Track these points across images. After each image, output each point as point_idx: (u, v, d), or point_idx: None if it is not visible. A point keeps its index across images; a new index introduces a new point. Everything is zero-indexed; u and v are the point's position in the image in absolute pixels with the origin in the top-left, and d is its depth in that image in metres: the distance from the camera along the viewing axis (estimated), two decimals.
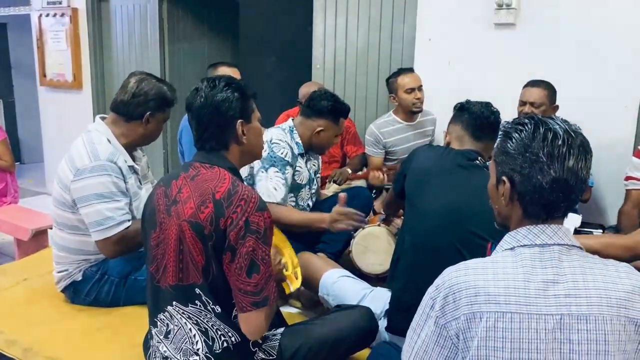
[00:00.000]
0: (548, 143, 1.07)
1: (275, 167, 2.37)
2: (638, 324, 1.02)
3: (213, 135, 1.55)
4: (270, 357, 1.56)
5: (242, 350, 1.51)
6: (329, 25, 3.82)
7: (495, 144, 1.20)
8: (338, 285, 2.08)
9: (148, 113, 2.04)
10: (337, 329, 1.68)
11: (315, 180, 2.72)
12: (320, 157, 2.82)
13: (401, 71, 3.21)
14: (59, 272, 2.12)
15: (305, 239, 2.47)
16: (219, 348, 1.49)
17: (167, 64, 4.69)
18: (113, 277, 2.11)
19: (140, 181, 2.16)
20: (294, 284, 1.78)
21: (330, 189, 3.22)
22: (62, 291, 2.16)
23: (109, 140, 2.03)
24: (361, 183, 3.26)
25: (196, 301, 1.48)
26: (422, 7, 3.46)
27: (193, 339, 1.49)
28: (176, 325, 1.51)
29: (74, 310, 2.12)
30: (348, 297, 2.01)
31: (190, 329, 1.49)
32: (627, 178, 2.62)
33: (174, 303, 1.50)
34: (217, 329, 1.49)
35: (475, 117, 1.92)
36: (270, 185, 2.34)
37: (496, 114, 1.95)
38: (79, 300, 2.13)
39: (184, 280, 1.47)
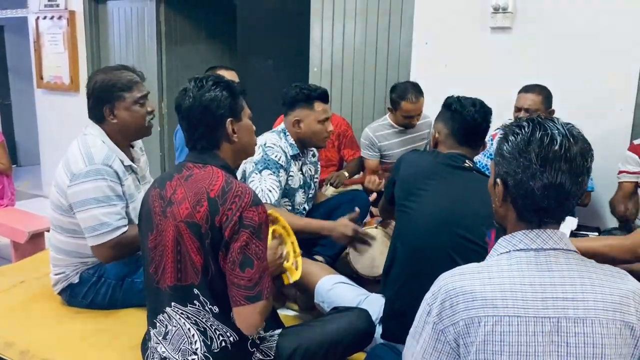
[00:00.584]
0: (543, 148, 1.06)
1: (269, 169, 2.37)
2: (633, 328, 1.02)
3: (204, 135, 1.55)
4: (268, 358, 1.57)
5: (240, 350, 1.51)
6: (326, 29, 3.84)
7: (496, 144, 1.20)
8: (333, 292, 2.08)
9: (106, 108, 2.01)
10: (335, 330, 1.68)
11: (312, 185, 2.71)
12: (318, 160, 2.82)
13: (408, 93, 3.16)
14: (56, 274, 2.12)
15: (302, 241, 2.46)
16: (217, 348, 1.49)
17: (165, 67, 4.70)
18: (110, 280, 2.10)
19: (139, 180, 2.15)
20: (293, 276, 1.78)
21: (328, 192, 3.22)
22: (59, 294, 2.15)
23: (103, 142, 2.01)
24: (357, 186, 3.27)
25: (195, 301, 1.48)
26: (419, 11, 3.47)
27: (192, 339, 1.49)
28: (174, 326, 1.51)
29: (71, 313, 2.12)
30: (343, 304, 2.00)
31: (189, 329, 1.50)
32: (620, 172, 2.66)
33: (172, 304, 1.51)
34: (215, 328, 1.49)
35: (467, 124, 1.88)
36: (264, 187, 2.34)
37: (488, 119, 1.91)
38: (76, 303, 2.13)
39: (183, 280, 1.48)
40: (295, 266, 1.80)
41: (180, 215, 1.46)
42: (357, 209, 2.33)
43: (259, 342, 1.57)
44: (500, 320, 1.02)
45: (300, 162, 2.59)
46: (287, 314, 2.29)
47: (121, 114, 2.02)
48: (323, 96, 2.50)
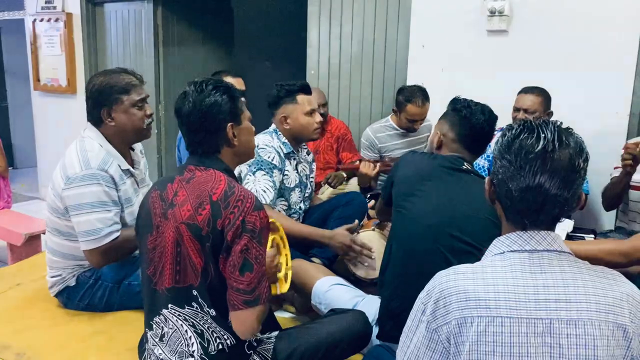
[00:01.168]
0: (523, 150, 1.06)
1: (263, 170, 2.39)
2: (626, 329, 1.03)
3: (204, 139, 1.55)
4: None
5: (237, 353, 1.51)
6: (323, 31, 3.85)
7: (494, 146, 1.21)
8: (330, 294, 2.08)
9: (104, 110, 2.01)
10: (332, 332, 1.68)
11: (308, 184, 2.72)
12: (314, 160, 2.82)
13: (415, 97, 3.18)
14: (52, 277, 2.11)
15: (300, 243, 2.47)
16: (214, 350, 1.49)
17: (162, 69, 4.70)
18: (107, 283, 2.10)
19: (137, 184, 2.15)
20: (282, 287, 1.78)
21: (325, 193, 3.23)
22: (56, 296, 2.15)
23: (101, 146, 2.01)
24: (354, 187, 3.27)
25: (193, 303, 1.48)
26: (416, 14, 3.49)
27: (189, 341, 1.49)
28: (171, 328, 1.51)
29: (68, 315, 2.11)
30: (340, 306, 2.00)
31: (186, 331, 1.50)
32: (615, 168, 2.67)
33: (169, 306, 1.51)
34: (212, 331, 1.49)
35: (475, 132, 1.86)
36: (258, 188, 2.35)
37: (494, 127, 1.91)
38: (73, 305, 2.13)
39: (181, 282, 1.48)
40: (285, 278, 1.81)
41: (182, 217, 1.46)
42: (356, 221, 2.36)
43: (255, 344, 1.57)
44: (492, 320, 1.02)
45: (295, 161, 2.60)
46: (284, 316, 2.29)
47: (119, 116, 2.02)
48: (305, 88, 2.52)
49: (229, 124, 1.56)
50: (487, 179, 1.18)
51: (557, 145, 1.05)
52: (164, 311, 1.52)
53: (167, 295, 1.50)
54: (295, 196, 2.60)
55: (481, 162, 3.01)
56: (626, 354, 1.03)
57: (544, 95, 2.84)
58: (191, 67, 4.82)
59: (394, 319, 1.75)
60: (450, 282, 1.08)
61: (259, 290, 1.43)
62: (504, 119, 2.88)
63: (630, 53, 2.91)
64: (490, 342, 1.02)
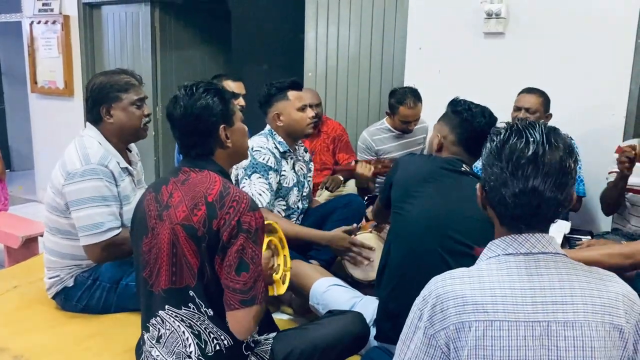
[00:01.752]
0: (514, 155, 1.06)
1: (258, 173, 2.39)
2: (622, 330, 1.03)
3: (197, 143, 1.56)
4: None
5: (234, 354, 1.52)
6: (320, 34, 3.85)
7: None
8: (328, 294, 2.09)
9: (102, 108, 2.03)
10: (329, 333, 1.69)
11: (306, 183, 2.72)
12: (311, 160, 2.83)
13: (406, 98, 3.17)
14: (50, 277, 2.11)
15: (298, 245, 2.47)
16: (212, 351, 1.49)
17: (159, 72, 4.70)
18: (104, 283, 2.10)
19: (135, 183, 2.16)
20: (279, 289, 1.79)
21: (322, 196, 3.23)
22: (53, 297, 2.15)
23: (100, 144, 2.03)
24: (352, 190, 3.27)
25: (189, 304, 1.48)
26: (413, 17, 3.50)
27: (186, 342, 1.50)
28: (168, 329, 1.52)
29: (65, 317, 2.11)
30: (338, 306, 2.01)
31: (183, 332, 1.50)
32: (610, 172, 2.68)
33: (166, 307, 1.51)
34: (209, 331, 1.49)
35: (476, 135, 1.83)
36: (254, 191, 2.35)
37: (493, 128, 1.91)
38: (70, 307, 2.13)
39: (178, 283, 1.48)
40: (283, 280, 1.81)
41: (177, 218, 1.46)
42: (354, 225, 2.38)
43: (253, 345, 1.57)
44: (491, 324, 1.02)
45: (292, 160, 2.60)
46: (281, 318, 2.30)
47: (117, 114, 2.05)
48: (294, 85, 2.54)
49: (222, 126, 1.56)
50: (478, 185, 1.18)
51: (547, 148, 1.05)
52: (161, 312, 1.52)
53: (164, 297, 1.51)
54: (293, 196, 2.60)
55: (479, 164, 3.01)
56: (623, 354, 1.04)
57: (544, 97, 2.86)
58: (188, 70, 4.82)
59: (391, 320, 1.76)
60: (446, 286, 1.08)
61: (255, 290, 1.44)
62: (501, 121, 2.89)
63: (626, 55, 2.93)
64: (488, 346, 1.02)
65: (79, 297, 2.10)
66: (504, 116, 2.88)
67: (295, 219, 2.64)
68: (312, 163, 2.84)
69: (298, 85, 2.55)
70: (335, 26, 3.79)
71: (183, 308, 1.49)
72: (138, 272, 1.60)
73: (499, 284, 1.06)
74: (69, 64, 5.08)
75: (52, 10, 5.08)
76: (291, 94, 2.51)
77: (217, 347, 1.49)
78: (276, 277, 1.78)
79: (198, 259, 1.45)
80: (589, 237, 2.62)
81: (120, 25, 4.85)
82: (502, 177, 1.07)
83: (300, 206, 2.68)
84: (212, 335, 1.49)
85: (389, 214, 1.98)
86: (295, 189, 2.61)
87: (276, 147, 2.51)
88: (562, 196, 1.07)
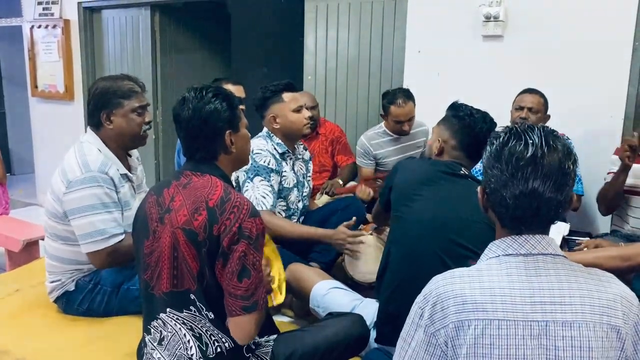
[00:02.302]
0: (514, 158, 1.07)
1: (260, 175, 2.41)
2: (620, 331, 1.04)
3: (202, 146, 1.57)
4: None
5: (235, 356, 1.52)
6: (319, 37, 3.87)
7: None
8: (328, 297, 2.10)
9: (103, 113, 2.03)
10: (330, 335, 1.70)
11: (306, 183, 2.74)
12: (310, 160, 2.84)
13: (396, 98, 3.19)
14: (51, 282, 2.12)
15: (297, 248, 2.49)
16: (213, 353, 1.50)
17: (159, 76, 4.71)
18: (106, 287, 2.11)
19: (134, 189, 2.16)
20: (277, 299, 1.81)
21: (322, 200, 3.24)
22: (55, 301, 2.15)
23: (99, 151, 2.03)
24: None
25: (191, 307, 1.49)
26: (412, 20, 3.51)
27: (187, 345, 1.50)
28: (170, 332, 1.52)
29: (67, 321, 2.12)
30: (338, 309, 2.02)
31: (184, 335, 1.50)
32: (608, 173, 2.69)
33: (167, 310, 1.52)
34: (210, 334, 1.50)
35: (477, 140, 1.85)
36: (258, 194, 2.37)
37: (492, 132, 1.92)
38: (72, 311, 2.13)
39: (179, 286, 1.49)
40: (280, 289, 1.83)
41: (178, 222, 1.47)
42: (354, 218, 2.40)
43: (254, 347, 1.58)
44: (489, 323, 1.03)
45: (292, 161, 2.62)
46: (282, 320, 2.31)
47: (117, 120, 2.05)
48: (289, 86, 2.56)
49: (228, 131, 1.57)
50: (479, 188, 1.20)
51: (546, 150, 1.07)
52: (162, 315, 1.53)
53: (165, 300, 1.51)
54: (293, 196, 2.62)
55: (478, 166, 3.02)
56: (620, 355, 1.05)
57: (544, 98, 2.89)
58: (188, 74, 4.82)
59: (391, 323, 1.76)
60: (447, 285, 1.09)
61: (256, 296, 1.44)
62: (499, 124, 2.90)
63: (624, 57, 2.94)
64: (487, 344, 1.03)
65: (81, 301, 2.11)
66: (502, 119, 2.90)
67: (295, 218, 2.65)
68: (310, 162, 2.85)
69: (292, 87, 2.58)
70: (335, 30, 3.80)
71: (184, 311, 1.50)
72: (140, 274, 1.61)
73: (498, 283, 1.07)
74: (69, 68, 5.09)
75: (52, 14, 5.09)
76: (286, 95, 2.53)
77: (218, 350, 1.50)
78: (274, 286, 1.79)
79: (198, 263, 1.46)
80: (588, 238, 2.63)
81: (120, 29, 4.86)
82: (502, 179, 1.09)
83: (300, 206, 2.69)
84: (213, 338, 1.50)
85: (389, 216, 1.99)
86: (295, 189, 2.62)
87: (275, 149, 2.52)
88: (562, 197, 1.09)
